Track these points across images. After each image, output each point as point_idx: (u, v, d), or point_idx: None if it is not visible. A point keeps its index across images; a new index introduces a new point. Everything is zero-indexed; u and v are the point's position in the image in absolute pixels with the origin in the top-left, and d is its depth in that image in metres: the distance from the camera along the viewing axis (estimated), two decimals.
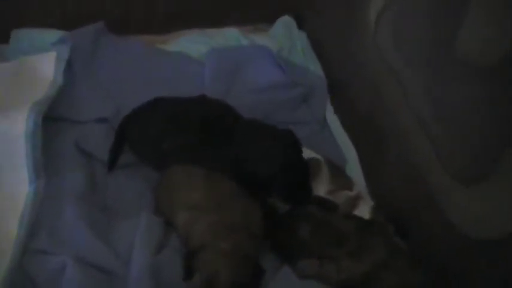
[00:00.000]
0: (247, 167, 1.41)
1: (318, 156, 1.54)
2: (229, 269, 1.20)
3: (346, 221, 1.38)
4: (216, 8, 2.06)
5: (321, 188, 1.46)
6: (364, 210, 1.44)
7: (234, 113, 1.55)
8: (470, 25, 1.16)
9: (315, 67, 1.96)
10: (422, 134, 1.35)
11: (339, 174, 1.53)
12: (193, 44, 1.96)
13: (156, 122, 1.50)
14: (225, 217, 1.28)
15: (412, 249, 1.34)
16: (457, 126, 1.24)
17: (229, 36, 2.02)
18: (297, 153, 1.45)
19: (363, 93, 1.67)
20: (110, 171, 1.49)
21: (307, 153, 1.52)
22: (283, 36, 2.05)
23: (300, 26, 2.10)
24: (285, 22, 2.10)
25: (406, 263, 1.29)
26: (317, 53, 2.01)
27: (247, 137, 1.46)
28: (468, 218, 1.21)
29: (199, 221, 1.28)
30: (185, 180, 1.38)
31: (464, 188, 1.22)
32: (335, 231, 1.34)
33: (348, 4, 1.73)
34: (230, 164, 1.42)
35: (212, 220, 1.27)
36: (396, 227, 1.37)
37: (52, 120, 1.53)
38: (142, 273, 1.22)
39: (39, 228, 1.29)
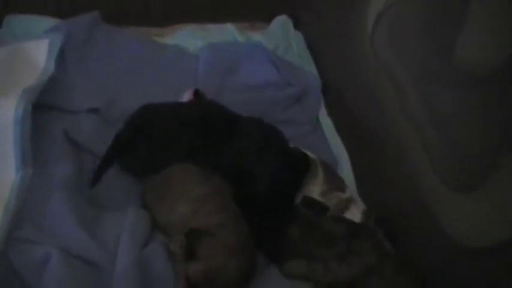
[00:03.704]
0: (242, 164, 1.40)
1: (314, 156, 1.53)
2: (236, 264, 1.20)
3: (335, 223, 1.37)
4: (213, 4, 2.05)
5: (316, 189, 1.45)
6: (355, 213, 1.43)
7: (231, 113, 1.53)
8: (468, 33, 1.15)
9: (309, 68, 1.96)
10: (416, 139, 1.34)
11: (332, 175, 1.52)
12: (189, 38, 1.95)
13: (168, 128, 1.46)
14: (229, 208, 1.30)
15: (401, 254, 1.33)
16: (451, 133, 1.23)
17: (226, 32, 2.01)
18: (293, 173, 1.44)
19: (358, 96, 1.67)
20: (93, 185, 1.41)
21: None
22: (280, 35, 2.04)
23: (297, 26, 2.10)
24: (282, 21, 2.09)
25: (393, 268, 1.29)
26: (312, 54, 2.01)
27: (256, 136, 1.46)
28: (459, 225, 1.21)
29: (204, 208, 1.28)
30: (187, 176, 1.37)
31: (456, 196, 1.21)
32: (324, 233, 1.34)
33: (345, 6, 1.72)
34: (230, 163, 1.42)
35: (218, 207, 1.28)
36: (386, 231, 1.37)
37: (43, 108, 1.50)
38: (129, 266, 1.20)
39: (24, 217, 1.27)
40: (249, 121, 1.51)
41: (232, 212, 1.31)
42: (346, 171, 1.65)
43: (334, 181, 1.50)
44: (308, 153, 1.53)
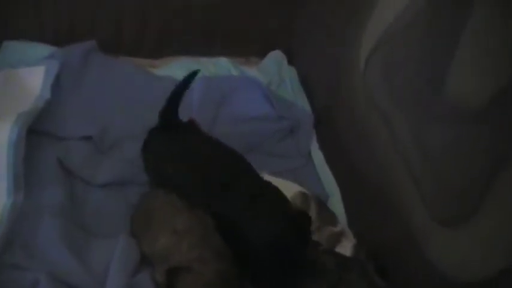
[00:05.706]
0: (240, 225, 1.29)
1: (306, 191, 1.53)
2: None
3: (325, 256, 1.37)
4: (208, 39, 2.08)
5: None
6: (346, 247, 1.43)
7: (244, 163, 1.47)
8: (459, 68, 1.17)
9: (302, 102, 1.98)
10: (406, 174, 1.35)
11: (324, 209, 1.53)
12: (183, 70, 1.94)
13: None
14: (211, 242, 1.28)
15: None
16: (441, 168, 1.24)
17: (220, 65, 2.03)
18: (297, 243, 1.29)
19: (349, 130, 1.68)
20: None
21: (294, 187, 1.52)
22: (273, 70, 2.07)
23: (291, 61, 2.12)
24: (276, 56, 2.12)
25: None
26: (305, 88, 2.03)
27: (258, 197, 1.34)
28: (449, 259, 1.21)
29: (184, 241, 1.26)
30: (169, 206, 1.36)
31: (445, 230, 1.22)
32: (314, 266, 1.33)
33: (338, 42, 1.76)
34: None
35: (198, 241, 1.26)
36: (376, 265, 1.36)
37: (36, 134, 1.51)
38: None
39: (14, 241, 1.26)
40: (244, 173, 1.42)
41: (214, 245, 1.28)
42: (337, 205, 1.65)
43: (327, 215, 1.50)
44: (301, 188, 1.53)
